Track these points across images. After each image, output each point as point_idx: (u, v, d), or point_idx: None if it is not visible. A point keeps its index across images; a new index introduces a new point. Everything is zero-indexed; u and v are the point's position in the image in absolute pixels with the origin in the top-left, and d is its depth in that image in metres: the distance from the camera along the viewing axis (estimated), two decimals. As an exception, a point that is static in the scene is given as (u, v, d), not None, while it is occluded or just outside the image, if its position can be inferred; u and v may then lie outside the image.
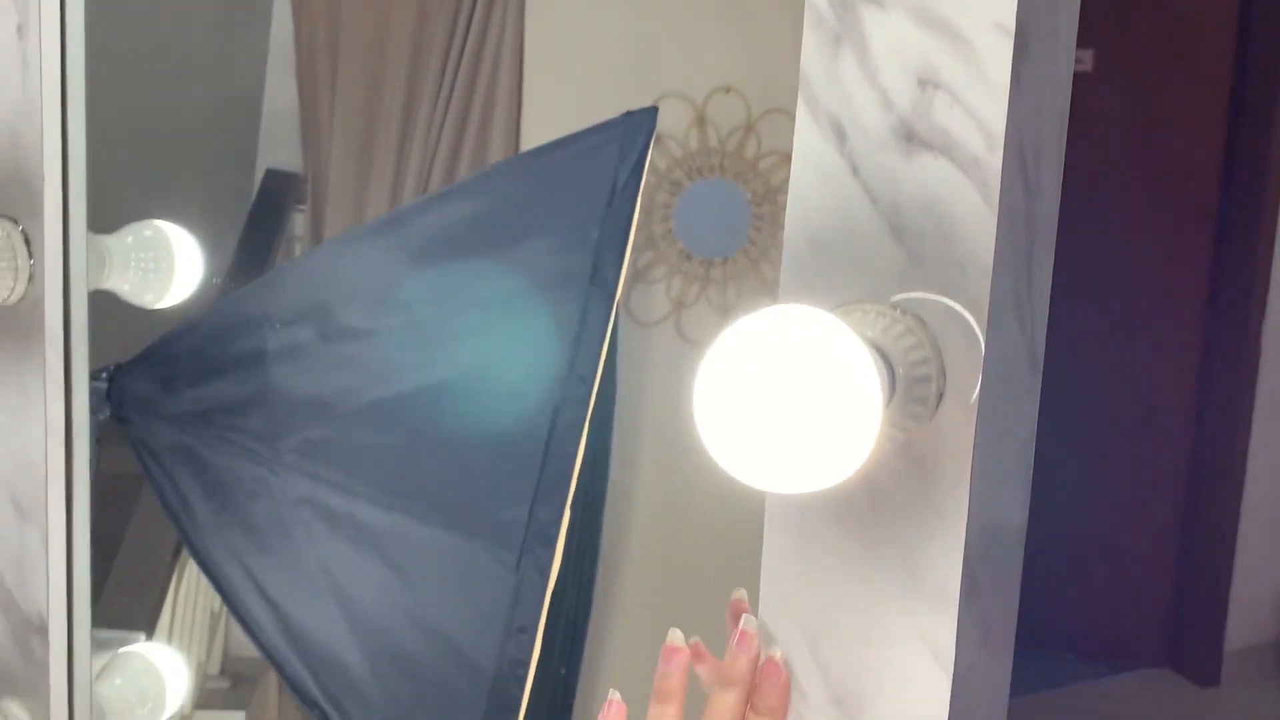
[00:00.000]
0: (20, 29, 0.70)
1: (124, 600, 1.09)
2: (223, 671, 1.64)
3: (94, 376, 0.91)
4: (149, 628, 1.14)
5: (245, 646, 1.71)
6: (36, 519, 0.67)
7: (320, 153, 1.80)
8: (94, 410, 0.83)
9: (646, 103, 1.00)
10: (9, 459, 0.67)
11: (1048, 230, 0.51)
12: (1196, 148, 2.35)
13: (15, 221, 0.70)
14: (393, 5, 1.73)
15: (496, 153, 1.78)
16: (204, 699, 1.57)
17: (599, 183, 0.94)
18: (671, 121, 1.79)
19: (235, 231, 1.71)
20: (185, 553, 1.21)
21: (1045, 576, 1.68)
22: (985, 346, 0.44)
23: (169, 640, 1.24)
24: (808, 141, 0.47)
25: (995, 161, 0.43)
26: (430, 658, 0.97)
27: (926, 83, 0.45)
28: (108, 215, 0.96)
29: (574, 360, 0.96)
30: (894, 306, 0.44)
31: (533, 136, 1.79)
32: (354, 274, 1.01)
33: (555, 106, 1.81)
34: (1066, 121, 0.52)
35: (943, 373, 0.44)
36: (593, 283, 0.95)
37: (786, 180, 0.48)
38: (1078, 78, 0.60)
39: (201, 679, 1.55)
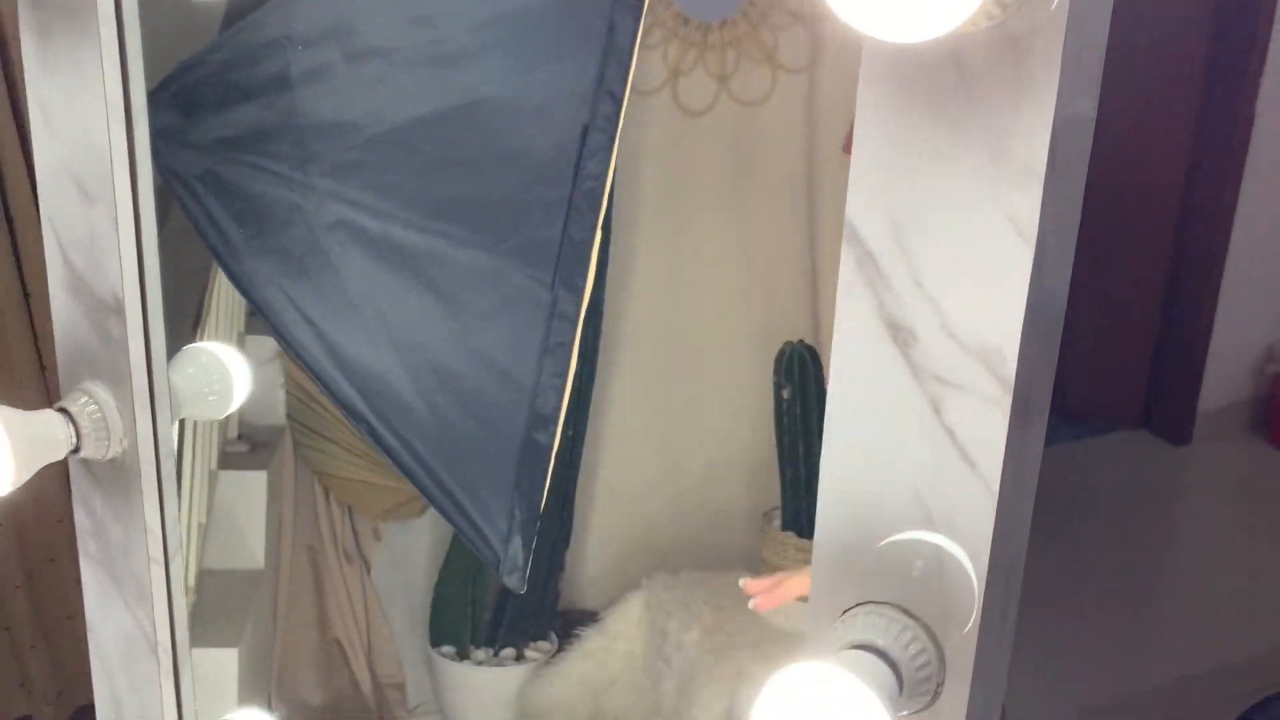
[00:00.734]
0: None
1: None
2: (240, 436, 1.69)
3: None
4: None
5: (261, 415, 1.75)
6: (104, 201, 0.67)
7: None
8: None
9: None
10: (70, 143, 0.67)
11: None
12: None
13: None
14: None
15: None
16: (224, 460, 1.63)
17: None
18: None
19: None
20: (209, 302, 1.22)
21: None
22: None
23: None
24: None
25: None
26: (472, 373, 1.00)
27: None
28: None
29: (602, 76, 0.96)
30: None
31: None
32: (373, -10, 0.98)
33: None
34: None
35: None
36: (618, -8, 0.94)
37: None
38: None
39: (222, 442, 1.60)
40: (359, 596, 2.20)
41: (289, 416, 1.84)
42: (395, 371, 1.00)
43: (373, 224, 0.98)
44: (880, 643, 0.44)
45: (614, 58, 0.95)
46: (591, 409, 1.79)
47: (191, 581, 1.31)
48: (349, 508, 2.14)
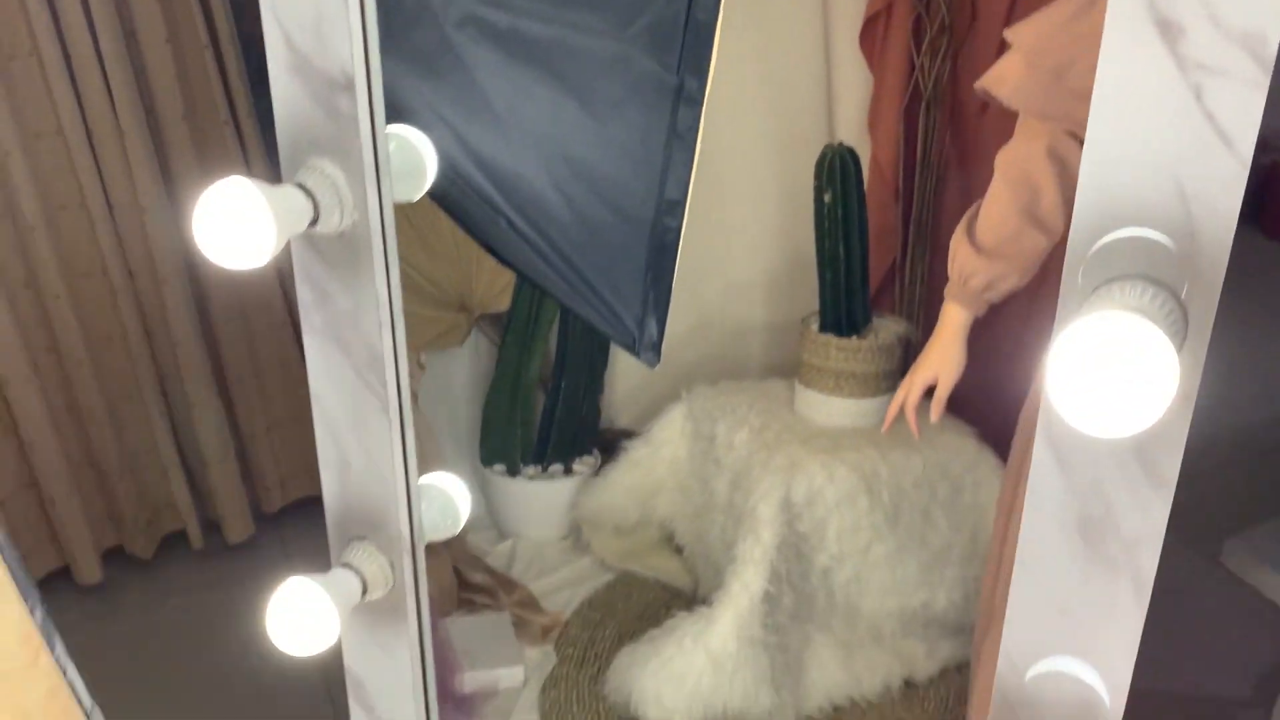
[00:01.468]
0: None
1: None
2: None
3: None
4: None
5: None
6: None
7: None
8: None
9: None
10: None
11: None
12: None
13: None
14: None
15: None
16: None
17: None
18: None
19: None
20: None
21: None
22: None
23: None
24: None
25: None
26: (603, 162, 1.05)
27: None
28: None
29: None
30: None
31: None
32: None
33: None
34: None
35: None
36: None
37: None
38: None
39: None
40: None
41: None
42: (529, 165, 1.04)
43: (501, 18, 1.01)
44: (1138, 305, 0.52)
45: None
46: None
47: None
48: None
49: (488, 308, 2.22)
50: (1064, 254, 0.57)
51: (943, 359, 1.55)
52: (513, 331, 2.20)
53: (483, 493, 2.36)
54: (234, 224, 0.65)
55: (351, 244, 0.77)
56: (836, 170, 1.85)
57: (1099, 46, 0.54)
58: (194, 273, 2.22)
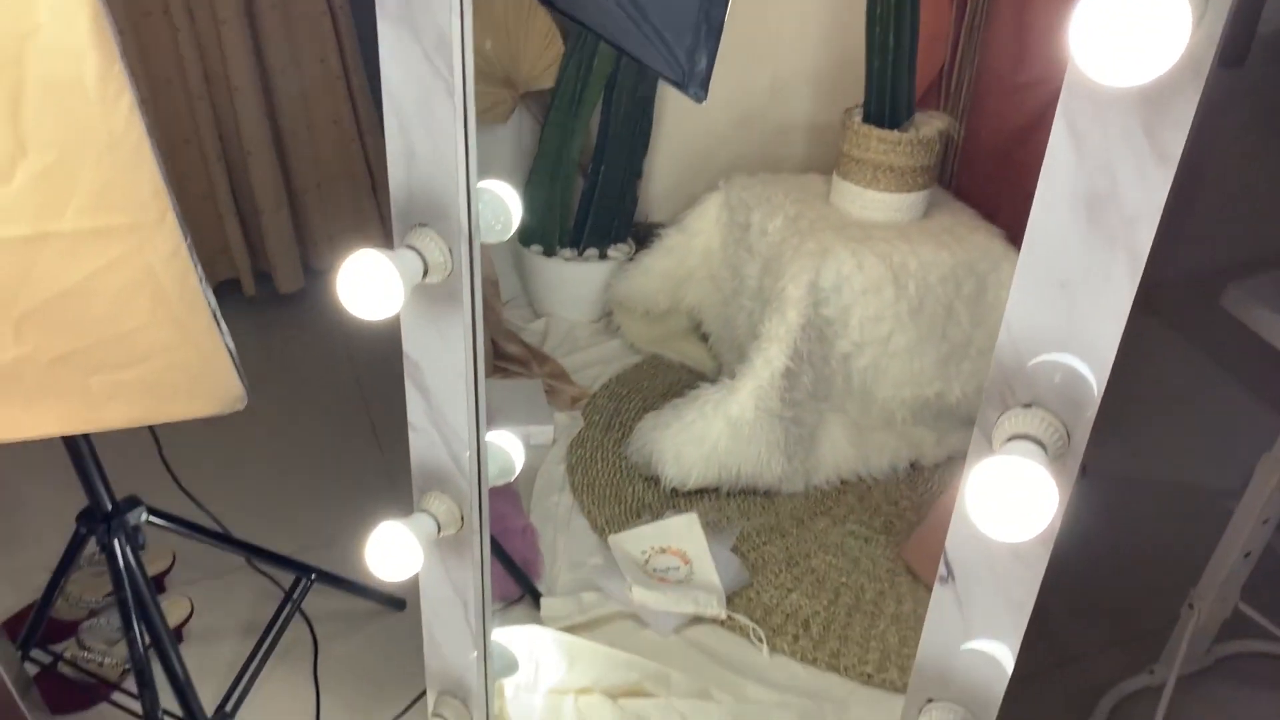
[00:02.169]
0: None
1: None
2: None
3: None
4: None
5: None
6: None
7: None
8: None
9: None
10: None
11: None
12: None
13: None
14: None
15: None
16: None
17: None
18: None
19: None
20: None
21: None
22: None
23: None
24: None
25: None
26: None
27: None
28: None
29: None
30: None
31: None
32: None
33: None
34: None
35: None
36: None
37: None
38: None
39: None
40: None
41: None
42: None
43: None
44: None
45: None
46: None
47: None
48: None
49: (532, 84, 2.24)
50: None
51: None
52: (556, 110, 2.23)
53: (518, 271, 2.44)
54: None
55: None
56: (893, -46, 1.83)
57: None
58: (253, 22, 2.25)
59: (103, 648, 1.50)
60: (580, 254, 2.40)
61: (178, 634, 1.60)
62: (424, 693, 1.54)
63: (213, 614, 1.64)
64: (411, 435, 1.14)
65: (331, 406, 2.20)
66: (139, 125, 0.85)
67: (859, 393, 2.00)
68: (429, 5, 0.86)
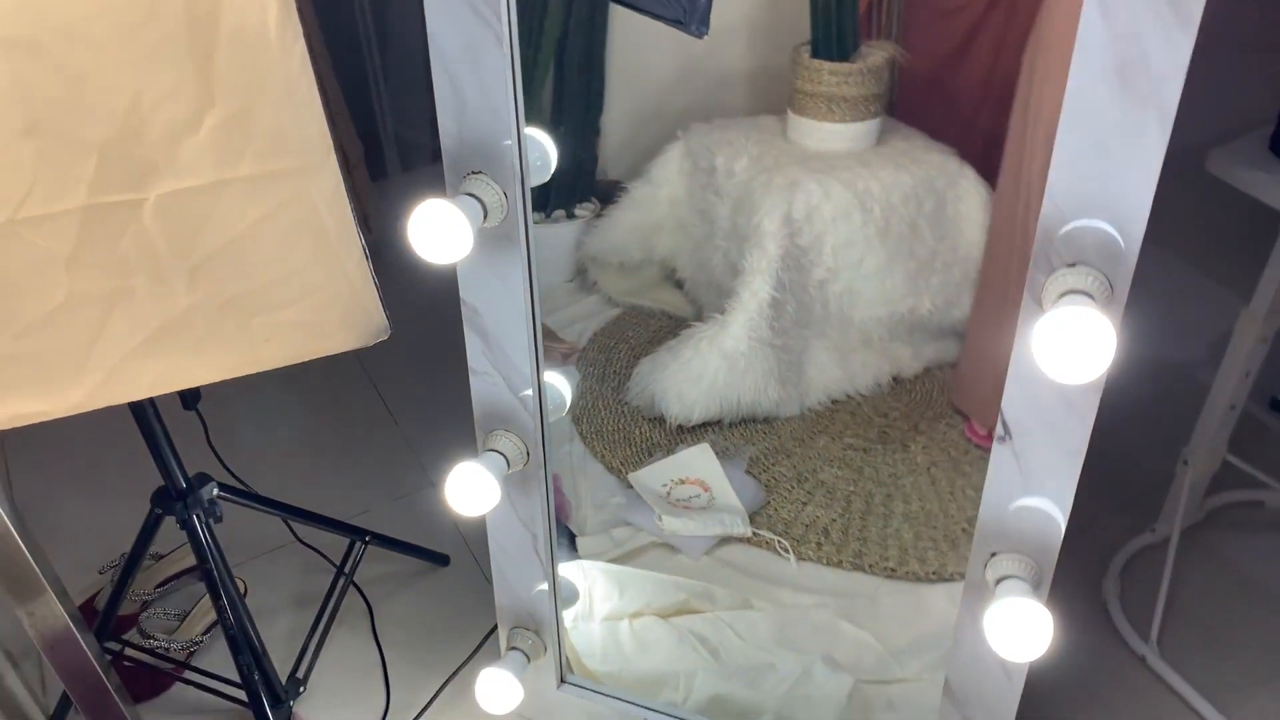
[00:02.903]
0: None
1: None
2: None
3: None
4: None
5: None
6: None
7: None
8: None
9: None
10: None
11: None
12: None
13: None
14: None
15: None
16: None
17: None
18: None
19: None
20: None
21: None
22: None
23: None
24: None
25: None
26: None
27: None
28: None
29: None
30: None
31: None
32: None
33: None
34: None
35: None
36: None
37: None
38: None
39: None
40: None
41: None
42: None
43: None
44: None
45: None
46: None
47: None
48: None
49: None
50: None
51: None
52: (514, 76, 2.27)
53: (491, 239, 2.48)
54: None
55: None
56: (829, -109, 1.90)
57: None
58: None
59: (164, 636, 1.53)
60: (548, 215, 2.45)
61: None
62: (488, 634, 1.60)
63: (264, 590, 1.68)
64: (473, 379, 1.20)
65: (339, 387, 2.22)
66: (310, 67, 0.88)
67: (837, 317, 2.09)
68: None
